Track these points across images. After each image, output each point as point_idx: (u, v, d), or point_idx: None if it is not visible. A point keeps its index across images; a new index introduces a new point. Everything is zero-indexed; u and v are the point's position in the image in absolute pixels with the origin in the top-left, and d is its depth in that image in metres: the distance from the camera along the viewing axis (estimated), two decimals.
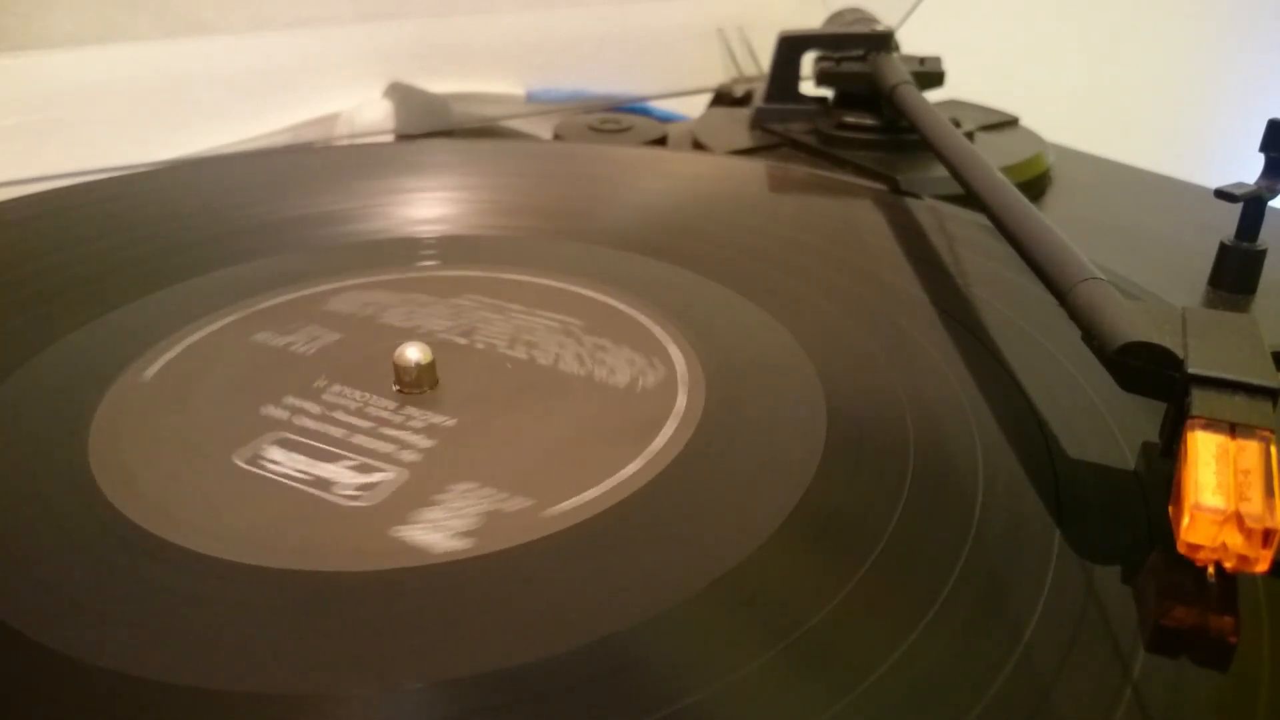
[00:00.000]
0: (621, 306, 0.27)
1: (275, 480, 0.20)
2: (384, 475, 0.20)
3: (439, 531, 0.18)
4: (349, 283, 0.29)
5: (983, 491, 0.19)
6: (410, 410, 0.22)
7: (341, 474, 0.20)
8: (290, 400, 0.23)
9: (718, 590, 0.16)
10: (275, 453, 0.21)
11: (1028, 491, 0.19)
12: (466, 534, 0.18)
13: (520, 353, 0.25)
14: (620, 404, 0.23)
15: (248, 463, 0.20)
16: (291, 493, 0.19)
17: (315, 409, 0.22)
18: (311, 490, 0.20)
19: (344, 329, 0.26)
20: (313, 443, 0.21)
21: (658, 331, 0.26)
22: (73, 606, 0.16)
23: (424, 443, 0.21)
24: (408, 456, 0.21)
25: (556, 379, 0.24)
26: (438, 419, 0.22)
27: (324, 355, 0.25)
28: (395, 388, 0.23)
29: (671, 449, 0.21)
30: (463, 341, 0.25)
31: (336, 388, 0.23)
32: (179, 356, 0.25)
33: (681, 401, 0.22)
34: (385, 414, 0.22)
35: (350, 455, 0.21)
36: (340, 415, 0.22)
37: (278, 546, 0.18)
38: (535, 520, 0.19)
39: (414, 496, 0.19)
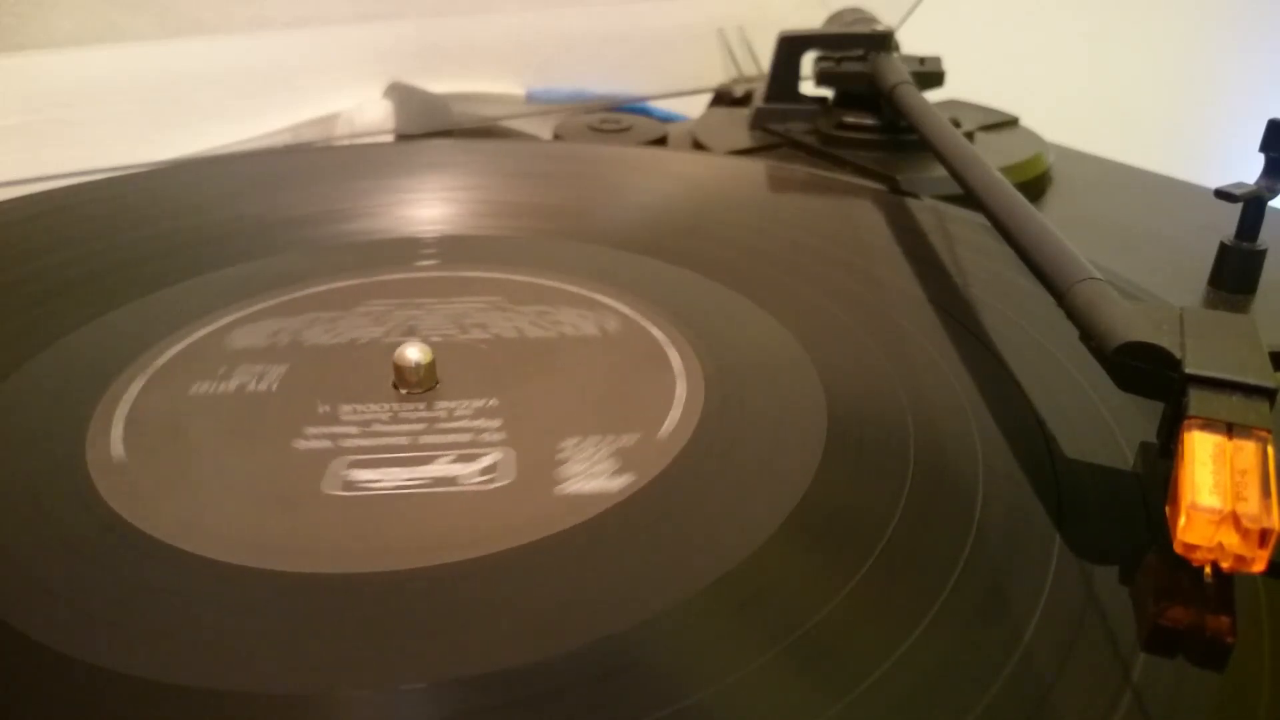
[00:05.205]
0: (571, 288, 0.28)
1: (391, 495, 0.19)
2: (494, 457, 0.20)
3: (596, 478, 0.19)
4: (235, 316, 0.27)
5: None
6: (444, 405, 0.22)
7: (452, 468, 0.20)
8: (314, 430, 0.21)
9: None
10: (361, 473, 0.20)
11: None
12: (620, 471, 0.19)
13: (480, 334, 0.25)
14: (611, 346, 0.24)
15: (344, 489, 0.19)
16: (417, 499, 0.19)
17: (351, 430, 0.21)
18: (438, 490, 0.19)
19: (282, 359, 0.24)
20: (388, 455, 0.20)
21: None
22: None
23: (491, 423, 0.21)
24: (492, 437, 0.21)
25: (536, 345, 0.25)
26: (479, 402, 0.22)
27: (293, 386, 0.23)
28: (402, 391, 0.23)
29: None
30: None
31: (347, 407, 0.22)
32: (129, 428, 0.22)
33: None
34: (425, 413, 0.22)
35: (439, 452, 0.20)
36: (380, 427, 0.21)
37: (423, 545, 0.18)
38: (659, 444, 0.20)
39: (541, 462, 0.20)
